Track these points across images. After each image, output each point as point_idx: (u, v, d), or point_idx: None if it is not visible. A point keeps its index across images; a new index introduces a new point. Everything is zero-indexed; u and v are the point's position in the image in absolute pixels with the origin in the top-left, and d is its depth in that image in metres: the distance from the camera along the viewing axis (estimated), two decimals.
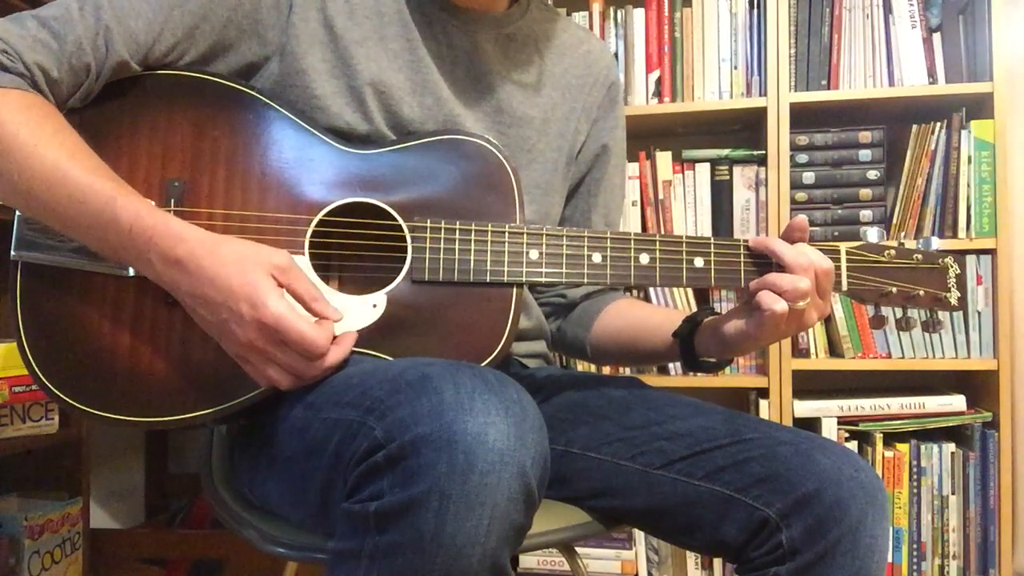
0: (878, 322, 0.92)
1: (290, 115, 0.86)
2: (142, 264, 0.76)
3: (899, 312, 0.92)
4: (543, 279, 0.84)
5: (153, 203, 0.78)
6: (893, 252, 0.89)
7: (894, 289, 0.89)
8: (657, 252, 0.85)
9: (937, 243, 0.91)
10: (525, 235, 0.84)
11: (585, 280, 0.85)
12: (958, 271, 0.91)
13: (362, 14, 0.92)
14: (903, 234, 1.74)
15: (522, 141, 0.99)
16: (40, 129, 0.76)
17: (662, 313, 1.04)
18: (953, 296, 0.90)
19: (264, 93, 0.87)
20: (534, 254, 0.83)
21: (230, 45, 0.88)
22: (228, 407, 0.79)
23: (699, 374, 1.80)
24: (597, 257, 0.84)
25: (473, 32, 0.97)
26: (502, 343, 0.82)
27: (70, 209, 0.75)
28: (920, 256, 0.90)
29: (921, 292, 0.89)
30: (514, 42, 1.01)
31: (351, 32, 0.91)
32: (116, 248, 0.76)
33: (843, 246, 0.88)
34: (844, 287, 0.88)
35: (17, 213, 0.81)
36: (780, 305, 0.80)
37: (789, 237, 0.86)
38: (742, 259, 0.86)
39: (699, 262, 0.85)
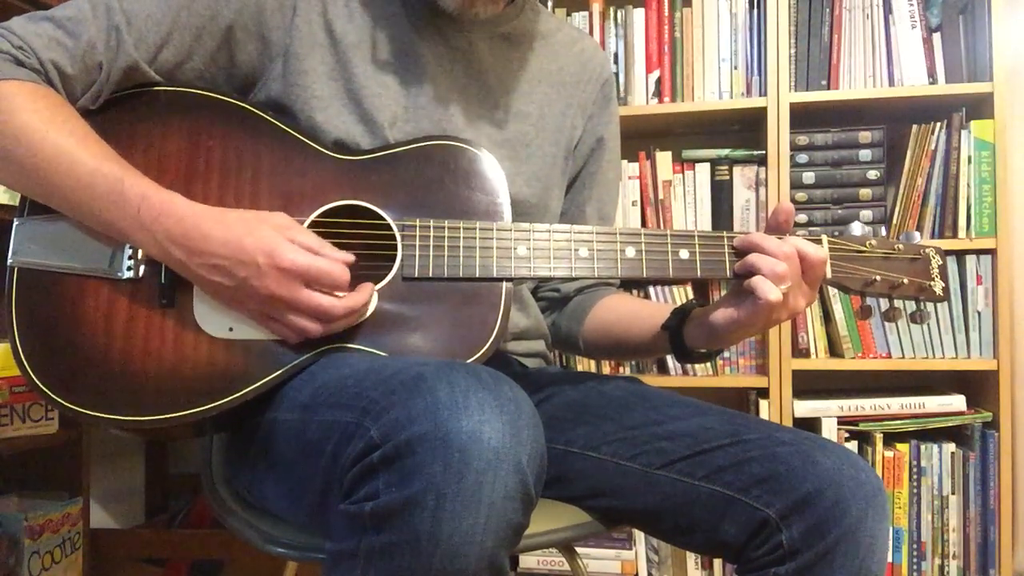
0: (865, 313, 0.93)
1: (281, 125, 0.89)
2: (150, 244, 0.78)
3: (885, 304, 0.92)
4: (531, 273, 0.84)
5: (157, 184, 0.80)
6: (874, 243, 0.90)
7: (878, 277, 0.89)
8: (643, 245, 0.86)
9: (918, 238, 0.92)
10: (513, 231, 0.85)
11: (573, 273, 0.85)
12: (940, 262, 0.92)
13: (360, 18, 0.94)
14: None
15: (520, 136, 1.00)
16: (52, 117, 0.79)
17: (653, 307, 1.05)
18: (937, 285, 0.91)
19: (257, 105, 0.90)
20: (522, 250, 0.84)
21: (235, 46, 0.90)
22: (223, 403, 0.79)
23: (698, 374, 1.80)
24: (584, 251, 0.85)
25: (469, 33, 0.98)
26: (492, 337, 0.82)
27: (79, 192, 0.78)
28: (901, 247, 0.91)
29: (905, 280, 0.90)
30: (508, 41, 1.02)
31: (349, 36, 0.93)
32: (124, 230, 0.78)
33: (825, 236, 0.89)
34: (828, 275, 0.88)
35: (15, 221, 0.83)
36: (775, 294, 0.81)
37: (774, 222, 0.87)
38: (726, 249, 0.87)
39: (684, 254, 0.86)
